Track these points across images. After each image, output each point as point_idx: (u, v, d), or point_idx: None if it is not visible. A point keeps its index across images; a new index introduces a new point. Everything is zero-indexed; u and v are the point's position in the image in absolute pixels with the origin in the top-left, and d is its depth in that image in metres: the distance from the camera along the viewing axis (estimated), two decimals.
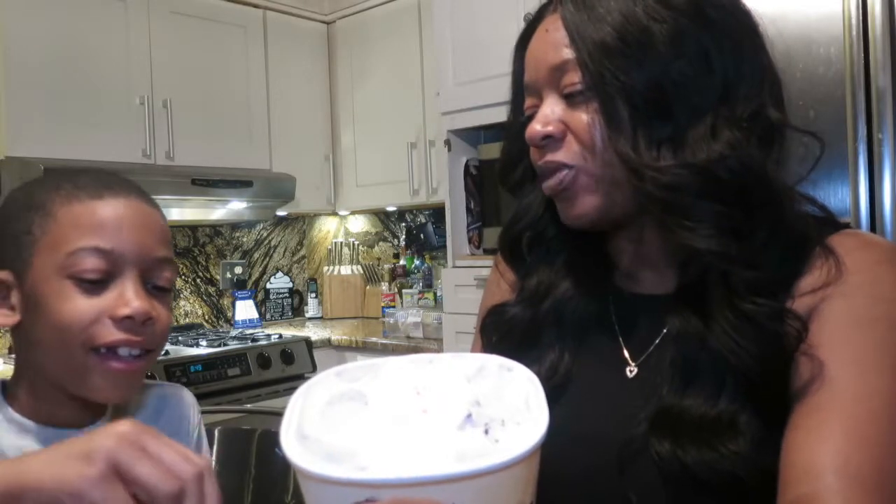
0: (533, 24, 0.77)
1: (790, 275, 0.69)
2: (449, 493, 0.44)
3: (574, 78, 0.71)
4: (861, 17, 1.54)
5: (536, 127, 0.73)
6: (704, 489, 0.64)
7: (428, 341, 2.80)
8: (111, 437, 0.52)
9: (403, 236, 3.54)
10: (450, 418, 0.48)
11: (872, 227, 1.55)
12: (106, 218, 0.76)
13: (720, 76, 0.69)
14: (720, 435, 0.65)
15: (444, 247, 2.74)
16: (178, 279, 3.24)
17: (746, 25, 0.72)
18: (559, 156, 0.72)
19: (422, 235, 3.34)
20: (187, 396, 0.95)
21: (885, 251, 0.70)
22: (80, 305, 0.74)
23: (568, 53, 0.71)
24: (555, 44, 0.72)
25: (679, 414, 0.67)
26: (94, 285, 0.74)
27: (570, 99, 0.72)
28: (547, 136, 0.72)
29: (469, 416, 0.48)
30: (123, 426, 0.53)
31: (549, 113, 0.73)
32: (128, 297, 0.75)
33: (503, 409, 0.49)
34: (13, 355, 2.96)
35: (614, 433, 0.70)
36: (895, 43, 1.52)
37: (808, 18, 1.61)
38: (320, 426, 0.48)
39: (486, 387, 0.52)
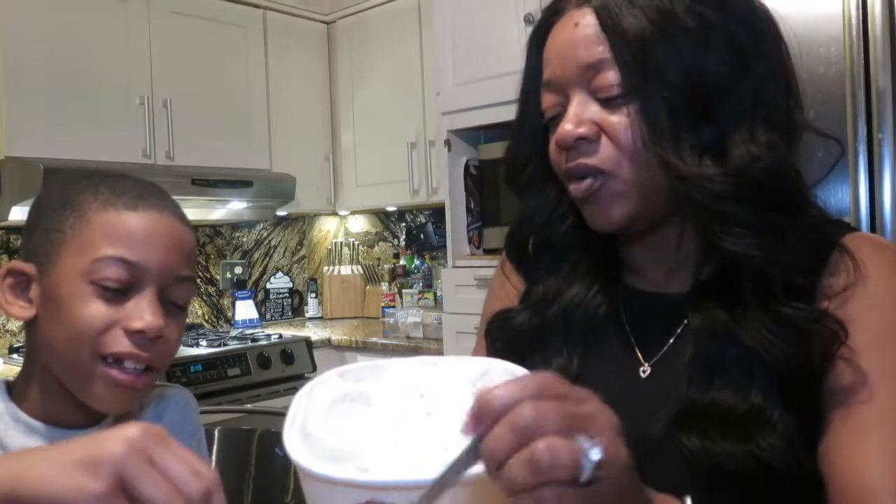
0: (551, 16, 0.74)
1: (814, 275, 0.69)
2: (452, 495, 0.44)
3: (611, 78, 0.68)
4: (861, 17, 1.54)
5: (568, 127, 0.70)
6: (728, 483, 0.64)
7: (428, 341, 2.80)
8: (119, 443, 0.48)
9: (403, 236, 3.54)
10: (453, 422, 0.48)
11: (872, 227, 1.55)
12: (137, 230, 0.76)
13: (754, 76, 0.68)
14: (754, 429, 0.64)
15: (444, 247, 2.74)
16: None
17: (771, 26, 0.72)
18: (592, 160, 0.70)
19: (422, 235, 3.34)
20: (188, 398, 0.95)
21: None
22: (95, 311, 0.74)
23: (603, 52, 0.68)
24: (586, 40, 0.69)
25: (706, 407, 0.67)
26: (114, 294, 0.75)
27: (606, 101, 0.69)
28: (580, 138, 0.70)
29: None
30: (133, 430, 0.49)
31: (581, 113, 0.70)
32: (143, 310, 0.75)
33: None
34: (13, 355, 2.93)
35: (629, 433, 0.70)
36: (895, 43, 1.52)
37: (808, 18, 1.61)
38: (323, 426, 0.48)
39: None
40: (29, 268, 0.77)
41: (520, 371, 0.54)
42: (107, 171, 0.84)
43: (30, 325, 0.79)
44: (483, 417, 0.43)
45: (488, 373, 0.54)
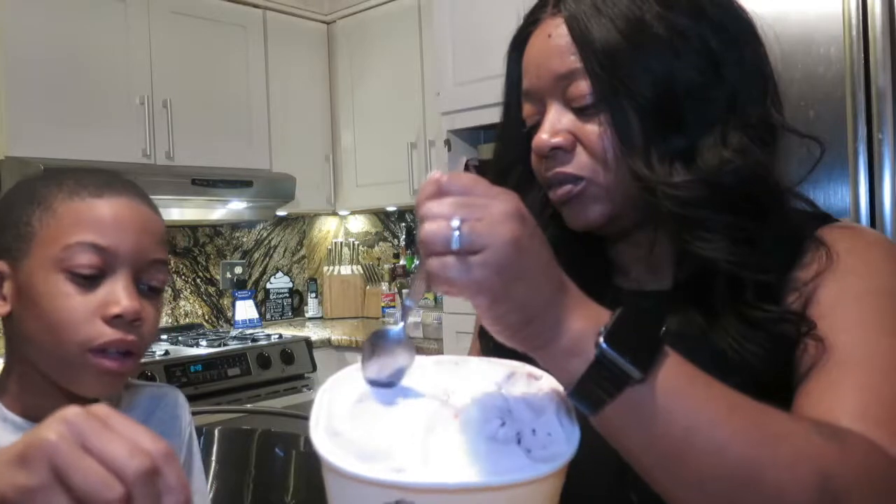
0: (529, 25, 0.75)
1: (786, 270, 0.69)
2: (482, 501, 0.44)
3: (582, 88, 0.69)
4: (861, 17, 1.54)
5: (544, 137, 0.71)
6: None
7: (428, 341, 2.80)
8: (52, 430, 0.45)
9: (403, 236, 3.54)
10: (483, 425, 0.48)
11: (872, 227, 1.55)
12: (105, 216, 0.77)
13: (728, 81, 0.69)
14: None
15: None
16: (178, 279, 3.23)
17: (747, 28, 0.72)
18: (569, 168, 0.71)
19: None
20: (179, 397, 0.95)
21: (874, 236, 0.72)
22: (72, 303, 0.74)
23: (575, 62, 0.69)
24: (560, 51, 0.70)
25: None
26: (87, 280, 0.75)
27: (579, 110, 0.70)
28: (556, 148, 0.71)
29: (503, 424, 0.48)
30: (69, 413, 0.46)
31: (556, 122, 0.71)
32: (119, 295, 0.75)
33: (535, 418, 0.49)
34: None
35: None
36: (895, 43, 1.52)
37: (808, 18, 1.61)
38: (350, 424, 0.48)
39: (517, 395, 0.52)
40: (1, 265, 0.78)
41: (542, 375, 0.54)
42: (74, 167, 0.85)
43: (7, 321, 0.80)
44: (419, 204, 0.51)
45: (514, 376, 0.54)
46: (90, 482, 0.43)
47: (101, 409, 0.47)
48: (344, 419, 0.49)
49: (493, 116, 2.77)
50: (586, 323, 0.51)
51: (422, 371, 0.54)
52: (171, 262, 3.22)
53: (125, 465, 0.44)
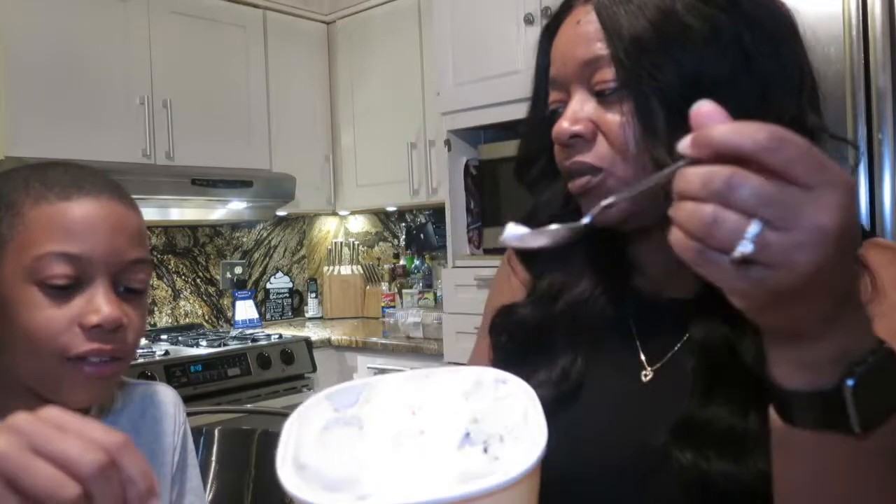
0: (560, 14, 0.74)
1: None
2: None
3: (607, 75, 0.68)
4: (861, 17, 1.54)
5: (564, 125, 0.69)
6: (725, 502, 0.62)
7: (428, 341, 2.80)
8: (1, 438, 0.44)
9: (403, 236, 3.54)
10: (448, 438, 0.47)
11: (872, 227, 1.55)
12: (75, 221, 0.73)
13: (759, 77, 0.67)
14: (749, 450, 0.62)
15: (444, 247, 2.74)
16: (178, 279, 3.23)
17: (786, 25, 0.70)
18: (588, 157, 0.69)
19: (422, 235, 3.34)
20: (172, 395, 0.94)
21: None
22: (48, 315, 0.71)
23: (601, 49, 0.68)
24: (587, 37, 0.69)
25: (703, 424, 0.64)
26: (63, 291, 0.72)
27: (602, 97, 0.69)
28: (576, 136, 0.69)
29: (467, 434, 0.47)
30: (17, 419, 0.45)
31: (579, 110, 0.69)
32: (97, 304, 0.72)
33: (501, 424, 0.48)
34: None
35: (627, 438, 0.69)
36: (895, 43, 1.52)
37: (808, 18, 1.60)
38: (317, 455, 0.47)
39: (484, 402, 0.51)
40: None
41: (509, 379, 0.53)
42: (40, 163, 0.81)
43: None
44: (698, 145, 0.42)
45: (481, 383, 0.53)
46: (43, 483, 0.43)
47: (51, 411, 0.46)
48: (310, 450, 0.48)
49: (493, 116, 2.77)
50: (842, 351, 0.46)
51: (391, 389, 0.53)
52: (172, 262, 3.22)
53: (79, 462, 0.43)
